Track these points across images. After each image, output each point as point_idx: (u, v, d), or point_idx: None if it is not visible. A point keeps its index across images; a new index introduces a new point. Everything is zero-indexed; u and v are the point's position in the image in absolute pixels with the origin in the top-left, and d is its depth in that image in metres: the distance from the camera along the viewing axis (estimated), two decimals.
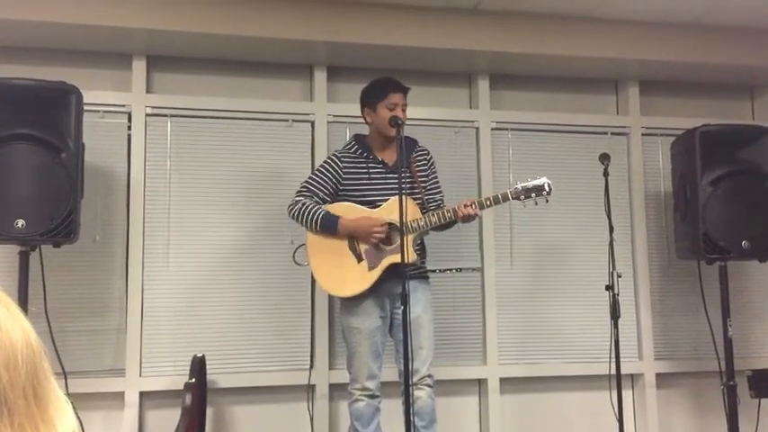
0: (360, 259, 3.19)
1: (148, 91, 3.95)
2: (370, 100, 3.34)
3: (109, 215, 3.84)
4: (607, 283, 3.50)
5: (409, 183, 3.28)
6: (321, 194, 3.28)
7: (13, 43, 3.77)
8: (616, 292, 3.48)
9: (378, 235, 3.15)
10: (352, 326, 3.25)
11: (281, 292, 3.94)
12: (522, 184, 3.22)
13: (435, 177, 3.47)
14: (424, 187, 3.36)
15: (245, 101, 4.04)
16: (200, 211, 3.92)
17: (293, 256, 3.43)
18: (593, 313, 4.16)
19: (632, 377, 4.32)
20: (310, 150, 4.06)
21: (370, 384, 3.22)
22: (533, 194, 3.21)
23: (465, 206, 3.13)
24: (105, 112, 3.85)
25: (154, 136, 3.91)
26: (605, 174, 3.59)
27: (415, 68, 4.14)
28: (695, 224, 3.79)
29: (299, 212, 3.23)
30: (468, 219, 3.19)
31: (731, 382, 3.77)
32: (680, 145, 4.04)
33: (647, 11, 4.00)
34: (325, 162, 3.39)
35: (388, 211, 3.18)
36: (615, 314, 3.47)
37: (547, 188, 3.21)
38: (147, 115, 3.89)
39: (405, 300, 2.83)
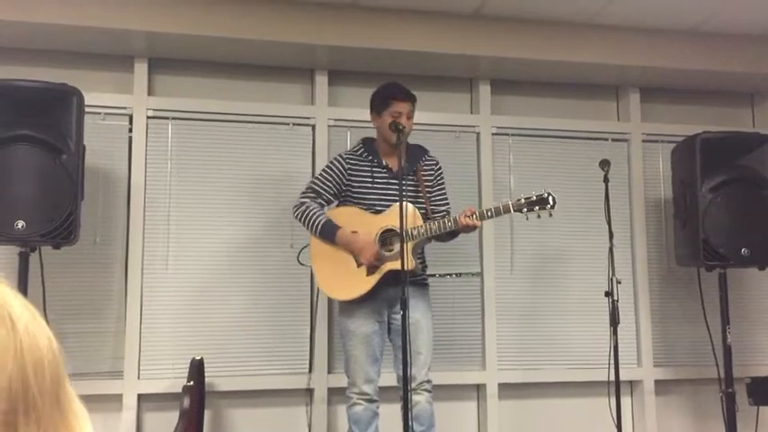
0: (359, 264, 3.19)
1: (150, 93, 3.95)
2: (376, 106, 3.34)
3: (109, 217, 3.84)
4: (606, 290, 3.50)
5: (413, 190, 3.28)
6: (326, 195, 3.29)
7: (14, 45, 3.78)
8: (615, 298, 3.47)
9: (367, 262, 3.14)
10: (349, 329, 3.25)
11: (281, 296, 3.94)
12: (525, 197, 3.15)
13: (442, 188, 3.43)
14: (429, 196, 3.35)
15: (246, 104, 4.04)
16: (200, 214, 3.93)
17: (298, 257, 3.44)
18: (592, 319, 4.16)
19: (631, 383, 4.31)
20: (311, 154, 4.07)
21: (368, 388, 3.22)
22: (536, 207, 3.13)
23: (466, 216, 3.11)
24: (106, 114, 3.85)
25: (155, 138, 3.92)
26: (605, 180, 3.59)
27: (416, 73, 4.14)
28: (695, 231, 3.79)
29: (302, 215, 3.24)
30: (468, 229, 3.17)
31: (730, 390, 3.76)
32: (680, 152, 4.04)
33: (649, 18, 4.01)
34: (330, 162, 3.40)
35: (391, 216, 3.18)
36: (614, 320, 3.47)
37: (551, 201, 3.13)
38: (148, 117, 3.90)
39: (404, 305, 2.83)
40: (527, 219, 3.19)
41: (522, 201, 3.15)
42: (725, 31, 4.18)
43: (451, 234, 3.24)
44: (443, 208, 3.38)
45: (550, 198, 3.14)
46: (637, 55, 4.16)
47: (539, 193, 3.15)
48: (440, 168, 3.44)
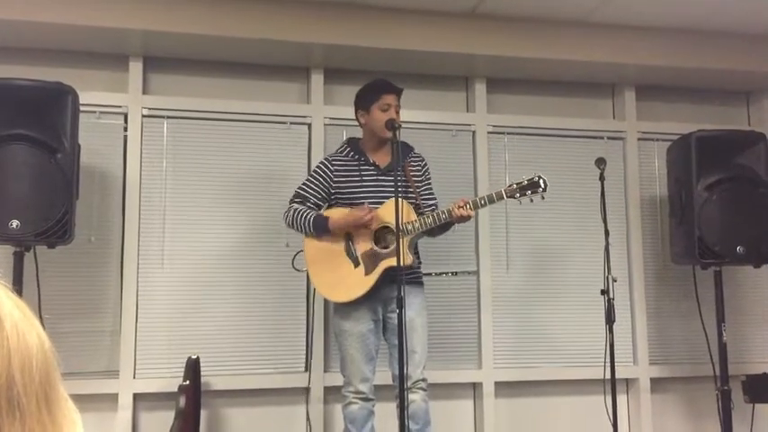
0: (356, 264, 3.19)
1: (145, 92, 3.94)
2: (363, 102, 3.35)
3: (104, 216, 3.83)
4: (602, 288, 3.50)
5: (403, 185, 3.28)
6: (313, 200, 3.29)
7: (9, 44, 3.77)
8: (611, 296, 3.48)
9: (367, 218, 3.12)
10: (343, 329, 3.25)
11: (277, 294, 3.94)
12: (517, 182, 3.20)
13: (429, 184, 3.46)
14: (419, 191, 3.36)
15: (241, 103, 4.03)
16: (195, 213, 3.92)
17: (292, 262, 3.43)
18: (588, 317, 4.17)
19: (627, 381, 4.32)
20: (307, 153, 4.06)
21: (364, 387, 3.22)
22: (528, 192, 3.17)
23: (459, 207, 3.12)
24: (101, 112, 3.84)
25: (150, 137, 3.91)
26: (601, 178, 3.59)
27: (412, 71, 4.14)
28: (690, 229, 3.79)
29: (292, 219, 3.25)
30: (462, 220, 3.18)
31: (725, 387, 3.77)
32: (676, 150, 4.05)
33: (644, 16, 4.01)
34: (316, 167, 3.40)
35: (385, 213, 3.19)
36: (610, 318, 3.47)
37: (542, 184, 3.17)
38: (143, 116, 3.89)
39: (400, 303, 2.83)
40: (520, 203, 3.23)
41: (515, 186, 3.19)
42: (720, 29, 4.18)
43: (443, 227, 3.25)
44: (431, 203, 3.40)
45: (541, 181, 3.18)
46: (632, 53, 4.16)
47: (529, 177, 3.19)
48: (426, 164, 3.47)
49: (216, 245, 3.92)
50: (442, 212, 3.15)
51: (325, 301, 3.86)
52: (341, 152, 3.39)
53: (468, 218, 3.16)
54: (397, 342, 2.96)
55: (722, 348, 3.82)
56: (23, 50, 3.81)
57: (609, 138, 4.46)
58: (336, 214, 3.23)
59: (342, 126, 4.07)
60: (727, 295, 3.94)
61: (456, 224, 3.24)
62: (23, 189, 3.11)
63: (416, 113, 4.04)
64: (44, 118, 3.17)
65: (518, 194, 3.17)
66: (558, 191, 4.18)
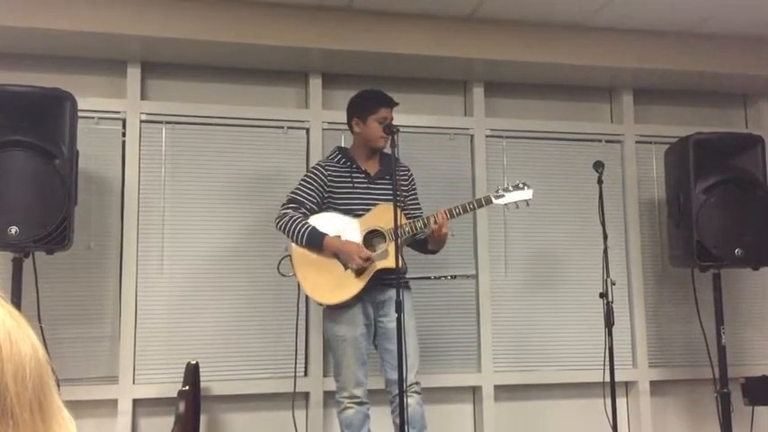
0: (346, 267, 3.19)
1: (143, 98, 3.95)
2: (360, 111, 3.35)
3: (103, 222, 3.83)
4: (601, 291, 3.50)
5: (391, 193, 3.29)
6: (308, 205, 3.27)
7: (7, 50, 3.77)
8: (610, 299, 3.48)
9: (357, 264, 3.13)
10: (337, 334, 3.25)
11: (276, 299, 3.93)
12: (503, 188, 3.32)
13: (415, 194, 3.49)
14: (405, 199, 3.37)
15: (240, 108, 4.04)
16: (194, 218, 3.92)
17: (278, 268, 3.34)
18: (587, 321, 4.17)
19: (626, 384, 4.32)
20: (305, 157, 4.06)
21: (358, 392, 3.22)
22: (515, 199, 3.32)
23: (435, 222, 3.15)
24: (100, 118, 3.85)
25: (148, 143, 3.91)
26: (599, 181, 3.60)
27: (411, 76, 4.15)
28: (689, 232, 3.80)
29: (285, 225, 3.23)
30: (441, 238, 3.20)
31: (725, 390, 3.77)
32: (673, 153, 4.05)
33: (642, 20, 4.02)
34: (310, 172, 3.40)
35: (374, 217, 3.21)
36: (609, 322, 3.47)
37: (528, 195, 3.31)
38: (141, 122, 3.89)
39: (399, 308, 2.84)
40: (507, 209, 3.42)
41: (501, 192, 3.31)
42: (717, 32, 4.20)
43: (435, 243, 3.28)
44: (417, 213, 3.43)
45: (526, 188, 3.32)
46: (630, 57, 4.17)
47: (515, 184, 3.32)
48: (412, 175, 3.51)
49: (214, 250, 3.92)
50: (428, 218, 3.19)
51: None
52: (332, 159, 3.40)
53: (443, 236, 3.19)
54: (389, 346, 3.01)
55: (721, 351, 3.82)
56: (21, 56, 3.81)
57: (607, 141, 4.47)
58: (330, 225, 3.23)
59: (340, 131, 4.06)
60: (725, 298, 3.94)
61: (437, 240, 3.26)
62: (22, 195, 3.11)
63: (414, 117, 4.05)
64: (42, 124, 3.17)
65: (503, 201, 3.30)
66: (556, 194, 4.20)
